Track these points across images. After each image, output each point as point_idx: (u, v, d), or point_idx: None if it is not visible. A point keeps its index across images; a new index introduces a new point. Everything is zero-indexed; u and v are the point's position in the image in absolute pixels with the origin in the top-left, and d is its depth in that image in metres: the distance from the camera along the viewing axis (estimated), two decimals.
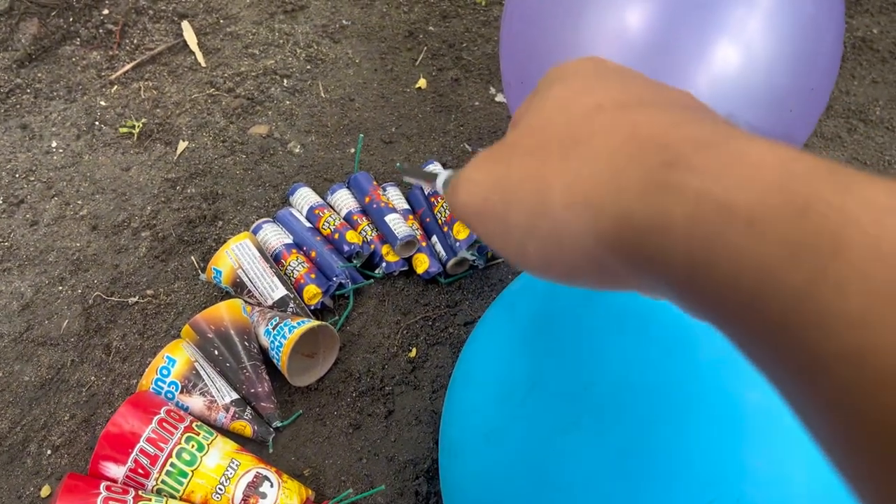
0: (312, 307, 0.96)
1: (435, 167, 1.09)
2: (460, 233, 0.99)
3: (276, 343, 0.87)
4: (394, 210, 1.03)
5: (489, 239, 0.27)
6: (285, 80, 1.30)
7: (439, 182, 0.43)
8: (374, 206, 1.03)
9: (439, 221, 1.04)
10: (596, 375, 0.56)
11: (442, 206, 1.03)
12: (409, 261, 1.02)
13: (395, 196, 1.08)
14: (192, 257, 1.03)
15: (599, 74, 0.27)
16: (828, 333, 0.16)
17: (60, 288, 0.99)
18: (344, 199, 1.07)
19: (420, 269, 1.00)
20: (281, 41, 1.37)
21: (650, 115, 0.23)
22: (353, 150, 1.19)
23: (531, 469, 0.57)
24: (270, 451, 0.85)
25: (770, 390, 0.19)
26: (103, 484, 0.72)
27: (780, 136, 0.91)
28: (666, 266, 0.20)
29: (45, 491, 0.81)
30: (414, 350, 0.95)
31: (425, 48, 1.38)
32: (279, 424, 0.86)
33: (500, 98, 1.29)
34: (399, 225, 1.01)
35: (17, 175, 1.12)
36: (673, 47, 0.80)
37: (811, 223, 0.17)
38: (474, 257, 1.00)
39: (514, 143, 0.26)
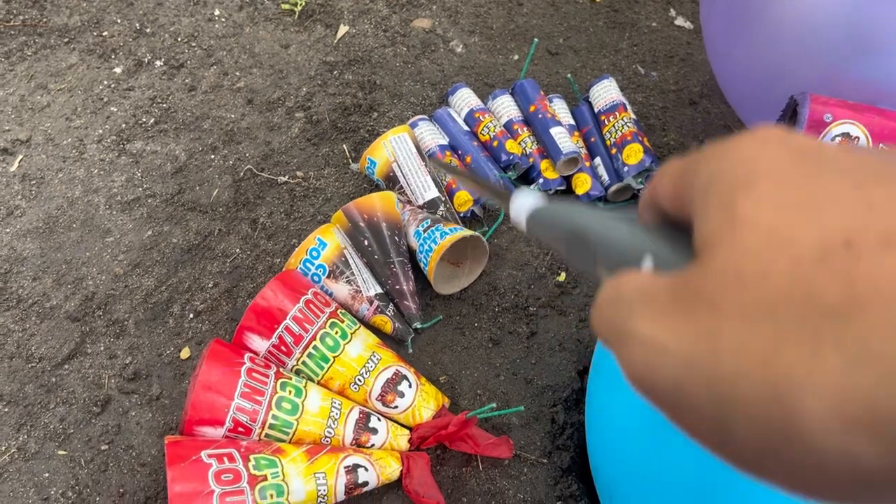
0: (462, 214, 0.92)
1: (611, 81, 1.00)
2: (630, 157, 0.91)
3: (426, 247, 0.82)
4: (559, 123, 0.96)
5: (695, 436, 0.17)
6: None
7: (520, 208, 0.28)
8: (539, 116, 0.96)
9: (607, 143, 0.96)
10: None
11: (612, 126, 0.95)
12: (568, 180, 0.96)
13: (561, 109, 1.01)
14: (344, 145, 0.99)
15: (808, 172, 0.16)
16: None
17: (212, 156, 0.97)
18: (506, 106, 1.00)
19: (580, 191, 0.94)
20: None
21: None
22: (516, 57, 1.12)
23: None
24: (409, 351, 0.82)
25: None
26: (247, 355, 0.71)
27: None
28: None
29: (185, 353, 0.81)
30: (563, 274, 0.89)
31: None
32: (419, 326, 0.82)
33: (679, 21, 1.18)
34: (564, 139, 0.93)
35: (179, 39, 1.10)
36: None
37: None
38: (641, 186, 0.92)
39: (713, 294, 0.16)
